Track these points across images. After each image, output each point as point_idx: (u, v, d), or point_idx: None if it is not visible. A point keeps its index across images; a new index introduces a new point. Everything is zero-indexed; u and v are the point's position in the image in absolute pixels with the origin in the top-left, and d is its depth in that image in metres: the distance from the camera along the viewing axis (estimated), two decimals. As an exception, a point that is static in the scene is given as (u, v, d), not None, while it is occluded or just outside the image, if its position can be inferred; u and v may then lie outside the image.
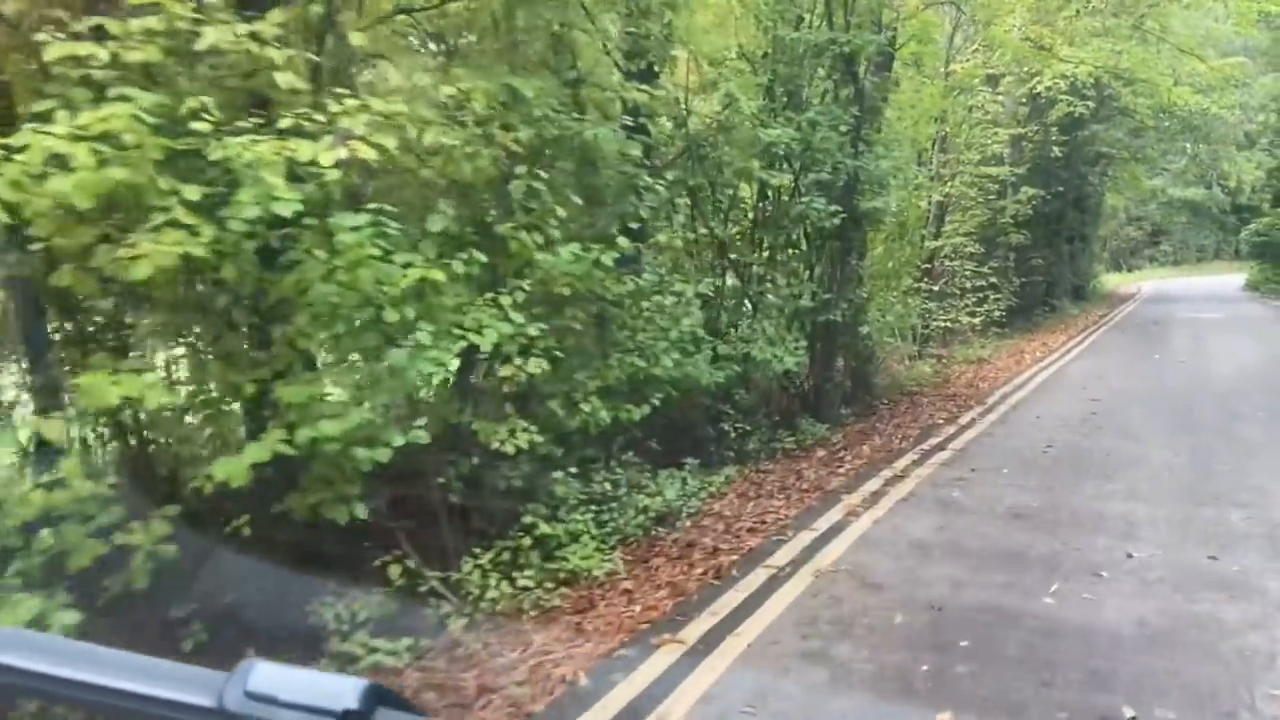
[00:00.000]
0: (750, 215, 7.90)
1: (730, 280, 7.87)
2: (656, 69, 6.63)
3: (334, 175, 3.42)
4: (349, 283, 3.50)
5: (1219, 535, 5.26)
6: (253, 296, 3.65)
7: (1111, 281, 37.76)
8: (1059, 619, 4.09)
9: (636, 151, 5.60)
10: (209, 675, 0.67)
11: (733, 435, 7.29)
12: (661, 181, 5.77)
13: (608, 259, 4.99)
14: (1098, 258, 35.58)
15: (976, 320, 15.69)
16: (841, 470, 7.12)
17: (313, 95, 3.46)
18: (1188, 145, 35.13)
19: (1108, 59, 15.93)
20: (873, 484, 6.65)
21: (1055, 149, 18.38)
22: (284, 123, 3.24)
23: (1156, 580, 4.58)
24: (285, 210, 3.04)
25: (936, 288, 15.07)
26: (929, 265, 14.55)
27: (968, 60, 14.91)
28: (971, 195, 15.46)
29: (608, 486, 5.55)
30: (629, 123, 5.86)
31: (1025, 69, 17.09)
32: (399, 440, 3.66)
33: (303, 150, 3.08)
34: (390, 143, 3.29)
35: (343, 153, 3.13)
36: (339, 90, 3.49)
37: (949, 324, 14.27)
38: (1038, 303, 20.79)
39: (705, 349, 6.51)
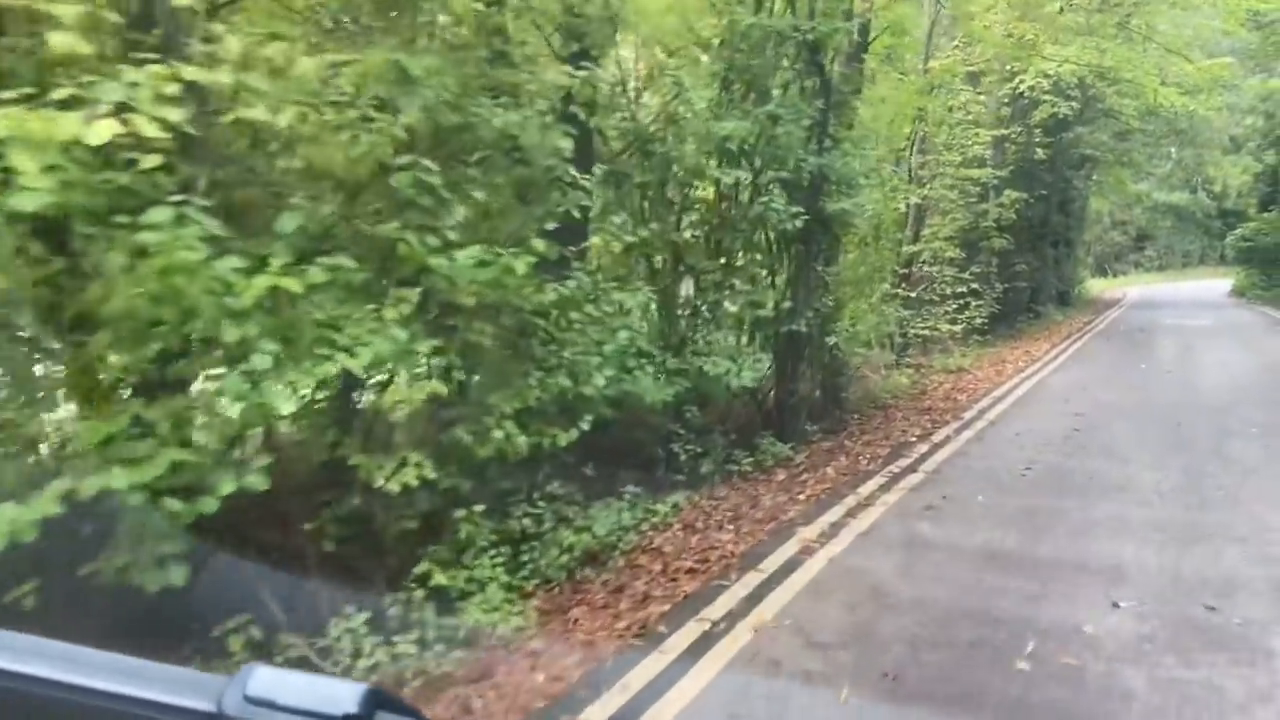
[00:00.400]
0: (709, 217, 7.26)
1: (688, 289, 7.24)
2: (595, 53, 5.99)
3: (152, 161, 2.77)
4: (161, 293, 2.83)
5: (1216, 578, 4.65)
6: (49, 309, 2.97)
7: (1097, 287, 37.39)
8: (1032, 697, 3.46)
9: (563, 143, 4.96)
10: (208, 679, 0.69)
11: (684, 457, 6.65)
12: (589, 178, 5.10)
13: (522, 265, 4.33)
14: (1082, 263, 35.17)
15: (957, 328, 15.10)
16: (801, 496, 6.48)
17: (105, 61, 2.79)
18: (1173, 150, 35.03)
19: (1092, 57, 15.42)
20: (833, 513, 6.01)
21: (1039, 151, 17.85)
22: (59, 93, 2.58)
23: (1147, 638, 3.95)
24: (29, 204, 2.37)
25: (914, 294, 14.50)
26: (907, 270, 13.96)
27: (947, 56, 14.34)
28: (952, 198, 14.88)
29: (528, 523, 4.90)
30: (567, 112, 5.24)
31: (1008, 67, 16.57)
32: (229, 486, 2.99)
33: (62, 126, 2.42)
34: (174, 115, 2.62)
35: (115, 128, 2.47)
36: (147, 56, 2.82)
37: (928, 332, 13.68)
38: (1021, 309, 20.26)
39: (648, 363, 5.87)
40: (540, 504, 5.01)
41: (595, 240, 5.70)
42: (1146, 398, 10.26)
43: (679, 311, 6.83)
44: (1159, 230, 46.64)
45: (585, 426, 5.08)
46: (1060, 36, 15.60)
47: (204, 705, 0.65)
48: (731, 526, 5.81)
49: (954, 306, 14.76)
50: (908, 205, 13.86)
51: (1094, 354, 15.03)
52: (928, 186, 13.92)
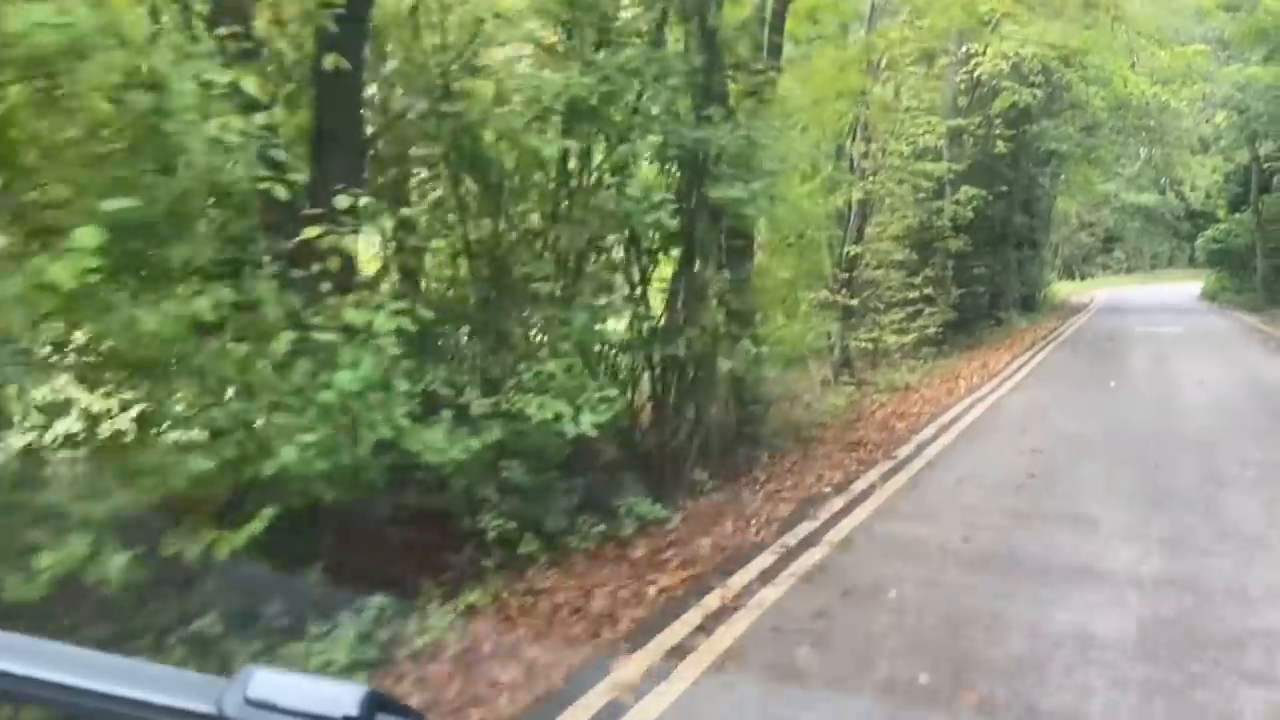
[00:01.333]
0: (541, 207, 5.47)
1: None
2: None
3: None
4: None
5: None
6: None
7: (1064, 290, 36.15)
8: None
9: (219, 78, 3.15)
10: (208, 681, 0.68)
11: (494, 535, 4.85)
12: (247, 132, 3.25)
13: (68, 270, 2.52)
14: (1049, 265, 33.86)
15: (907, 339, 13.45)
16: (653, 589, 4.69)
17: None
18: (1142, 150, 33.80)
19: (1055, 38, 13.86)
20: (683, 623, 4.23)
21: (1000, 144, 16.28)
22: None
23: None
24: None
25: (858, 301, 12.84)
26: (849, 275, 12.29)
27: (894, 28, 12.66)
28: (900, 193, 13.22)
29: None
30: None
31: (964, 49, 14.98)
32: None
33: None
34: None
35: None
36: None
37: (870, 344, 12.00)
38: (981, 316, 18.70)
39: (406, 404, 4.06)
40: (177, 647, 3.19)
41: (307, 232, 3.83)
42: (1117, 427, 8.61)
43: (484, 333, 5.02)
44: (1127, 232, 45.61)
45: (262, 523, 3.25)
46: (1021, 15, 14.02)
47: (204, 707, 0.64)
48: (534, 647, 4.01)
49: (903, 315, 13.10)
50: (852, 201, 12.19)
51: (1058, 368, 13.43)
52: (871, 179, 12.24)
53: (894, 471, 7.13)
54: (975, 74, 14.42)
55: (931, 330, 14.52)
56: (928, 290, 14.81)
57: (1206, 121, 26.88)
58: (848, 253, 12.28)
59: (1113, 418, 9.03)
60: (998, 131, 16.19)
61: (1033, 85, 15.49)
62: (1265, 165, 26.44)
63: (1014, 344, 16.77)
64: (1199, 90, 17.79)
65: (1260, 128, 22.15)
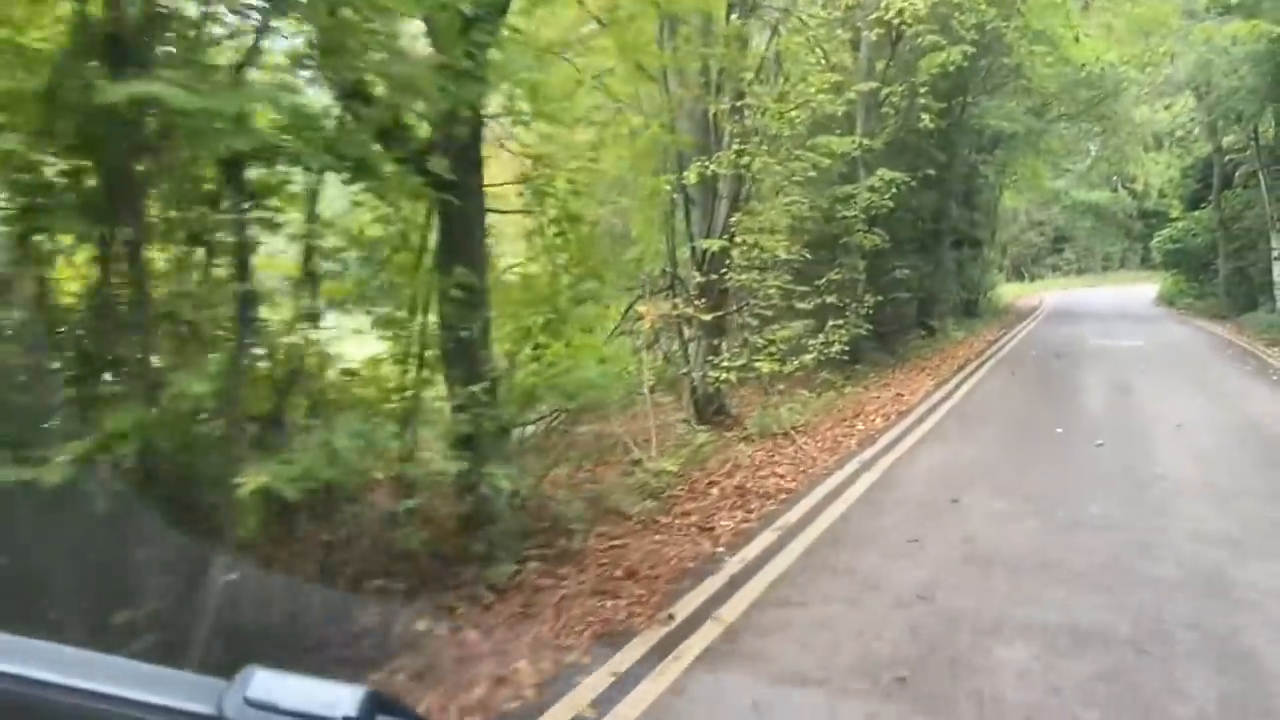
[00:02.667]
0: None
1: None
2: None
3: None
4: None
5: None
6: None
7: (1011, 292, 33.53)
8: None
9: None
10: (208, 683, 0.68)
11: None
12: None
13: None
14: (995, 266, 31.07)
15: (800, 364, 10.20)
16: None
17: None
18: (1093, 146, 31.27)
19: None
20: None
21: (925, 117, 13.06)
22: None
23: None
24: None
25: (726, 314, 9.57)
26: (707, 278, 8.98)
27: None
28: (780, 171, 9.94)
29: None
30: None
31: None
32: None
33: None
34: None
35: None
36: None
37: (728, 379, 8.71)
38: (906, 327, 15.62)
39: None
40: None
41: None
42: (1065, 534, 5.36)
43: None
44: (1078, 231, 43.31)
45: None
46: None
47: (204, 709, 0.64)
48: None
49: (793, 331, 9.81)
50: (708, 177, 8.90)
51: (990, 401, 10.26)
52: (736, 149, 8.93)
53: (660, 652, 3.79)
54: (890, 18, 11.19)
55: (836, 348, 11.31)
56: (831, 298, 11.61)
57: (1165, 108, 24.23)
58: (706, 250, 8.99)
59: (1058, 509, 5.78)
60: (923, 102, 12.99)
61: (961, 40, 12.33)
62: (1228, 158, 23.83)
63: (943, 363, 13.64)
64: (1166, 52, 14.80)
65: (1225, 110, 19.39)
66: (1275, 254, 19.71)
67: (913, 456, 7.36)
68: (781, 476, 6.74)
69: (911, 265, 15.36)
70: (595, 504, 5.75)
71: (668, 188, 8.21)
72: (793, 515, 5.69)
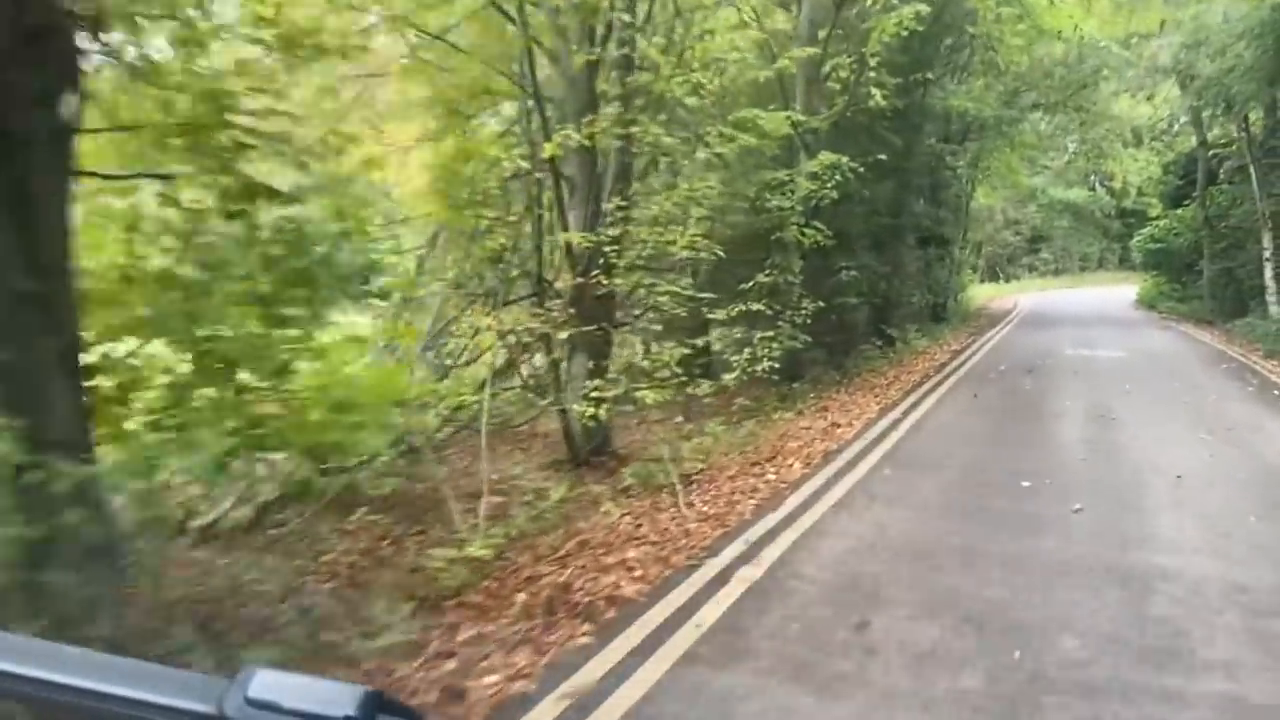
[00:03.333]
0: None
1: None
2: None
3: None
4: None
5: None
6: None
7: (985, 294, 31.78)
8: None
9: None
10: (209, 681, 0.67)
11: None
12: None
13: None
14: (967, 266, 29.27)
15: (704, 388, 8.21)
16: None
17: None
18: (1070, 143, 29.62)
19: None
20: None
21: (875, 93, 11.09)
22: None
23: None
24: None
25: (616, 326, 7.58)
26: (583, 280, 6.96)
27: None
28: (681, 147, 7.93)
29: None
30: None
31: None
32: None
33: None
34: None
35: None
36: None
37: (595, 415, 6.68)
38: (858, 337, 13.69)
39: None
40: None
41: None
42: (1024, 691, 3.40)
43: None
44: (1055, 231, 41.65)
45: None
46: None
47: (205, 708, 0.64)
48: None
49: (680, 351, 7.78)
50: (584, 148, 6.89)
51: (942, 438, 8.28)
52: (616, 113, 6.90)
53: None
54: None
55: (764, 365, 9.36)
56: (759, 305, 9.64)
57: (1148, 98, 22.49)
58: (579, 244, 6.97)
59: (1014, 645, 3.80)
60: (874, 75, 11.02)
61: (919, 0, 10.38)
62: (1212, 152, 22.06)
63: (896, 379, 11.69)
64: (1155, 18, 12.92)
65: (1215, 96, 17.55)
66: (1267, 254, 17.93)
67: (822, 532, 5.36)
68: (631, 569, 4.72)
69: (864, 266, 13.40)
70: (312, 638, 3.73)
71: (503, 157, 6.17)
72: (608, 657, 3.66)
